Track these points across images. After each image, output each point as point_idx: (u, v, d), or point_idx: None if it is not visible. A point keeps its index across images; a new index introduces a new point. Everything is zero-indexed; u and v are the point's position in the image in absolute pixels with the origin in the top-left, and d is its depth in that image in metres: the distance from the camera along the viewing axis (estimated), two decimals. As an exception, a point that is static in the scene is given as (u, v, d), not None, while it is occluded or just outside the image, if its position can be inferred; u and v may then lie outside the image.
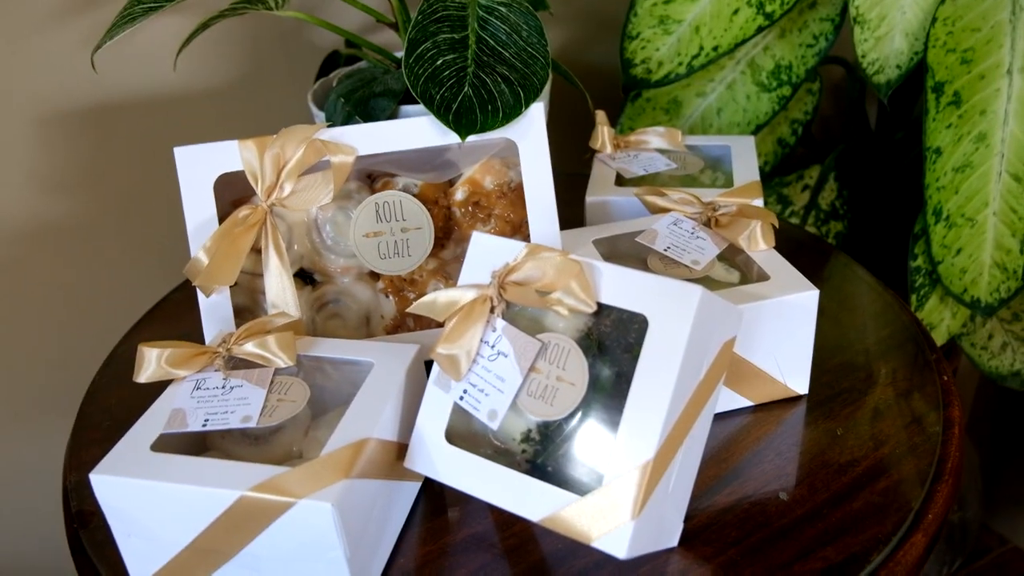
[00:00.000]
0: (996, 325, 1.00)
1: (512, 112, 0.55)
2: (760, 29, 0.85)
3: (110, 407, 0.63)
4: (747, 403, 0.58)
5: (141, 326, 0.74)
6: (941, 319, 0.92)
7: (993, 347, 1.00)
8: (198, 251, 0.55)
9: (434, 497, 0.53)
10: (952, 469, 0.53)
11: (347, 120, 0.62)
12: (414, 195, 0.59)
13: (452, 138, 0.56)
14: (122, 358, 0.69)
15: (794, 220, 1.03)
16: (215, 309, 0.56)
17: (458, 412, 0.48)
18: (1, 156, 0.83)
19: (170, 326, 0.73)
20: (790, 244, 0.74)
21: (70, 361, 0.91)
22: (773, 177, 1.05)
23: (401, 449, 0.50)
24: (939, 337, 0.93)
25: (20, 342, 0.90)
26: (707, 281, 0.58)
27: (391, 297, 0.61)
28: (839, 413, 0.58)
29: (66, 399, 0.76)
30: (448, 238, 0.62)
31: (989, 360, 1.00)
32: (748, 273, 0.60)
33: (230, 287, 0.56)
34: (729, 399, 0.58)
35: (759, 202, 0.66)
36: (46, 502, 0.87)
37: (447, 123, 0.54)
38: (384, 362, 0.51)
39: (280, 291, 0.56)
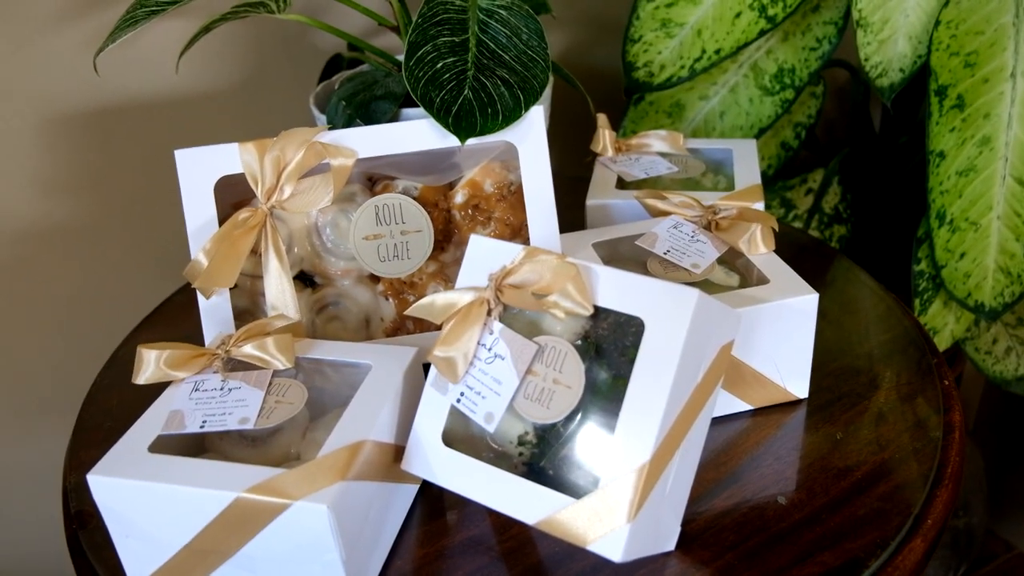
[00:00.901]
0: (1000, 330, 0.99)
1: (512, 115, 0.55)
2: (762, 32, 0.85)
3: (111, 408, 0.64)
4: (747, 407, 0.58)
5: (143, 328, 0.74)
6: (945, 323, 0.92)
7: (997, 352, 0.99)
8: (198, 253, 0.55)
9: (432, 499, 0.53)
10: (952, 474, 0.53)
11: (348, 123, 0.62)
12: (414, 198, 0.59)
13: (452, 141, 0.56)
14: (123, 359, 0.69)
15: (797, 224, 1.03)
16: (215, 311, 0.57)
17: (455, 415, 0.48)
18: (4, 158, 0.83)
19: (172, 328, 0.73)
20: (793, 248, 0.74)
21: (72, 362, 0.91)
22: (776, 181, 1.05)
23: (398, 451, 0.50)
24: (943, 342, 0.93)
25: (22, 343, 0.90)
26: (706, 284, 0.58)
27: (391, 300, 0.61)
28: (839, 417, 0.58)
29: (67, 400, 0.76)
30: (448, 241, 0.62)
31: (993, 365, 0.99)
32: (748, 276, 0.59)
33: (230, 289, 0.56)
34: (728, 403, 0.58)
35: (760, 205, 0.66)
36: (46, 503, 0.87)
37: (447, 126, 0.54)
38: (382, 364, 0.51)
39: (280, 293, 0.56)
